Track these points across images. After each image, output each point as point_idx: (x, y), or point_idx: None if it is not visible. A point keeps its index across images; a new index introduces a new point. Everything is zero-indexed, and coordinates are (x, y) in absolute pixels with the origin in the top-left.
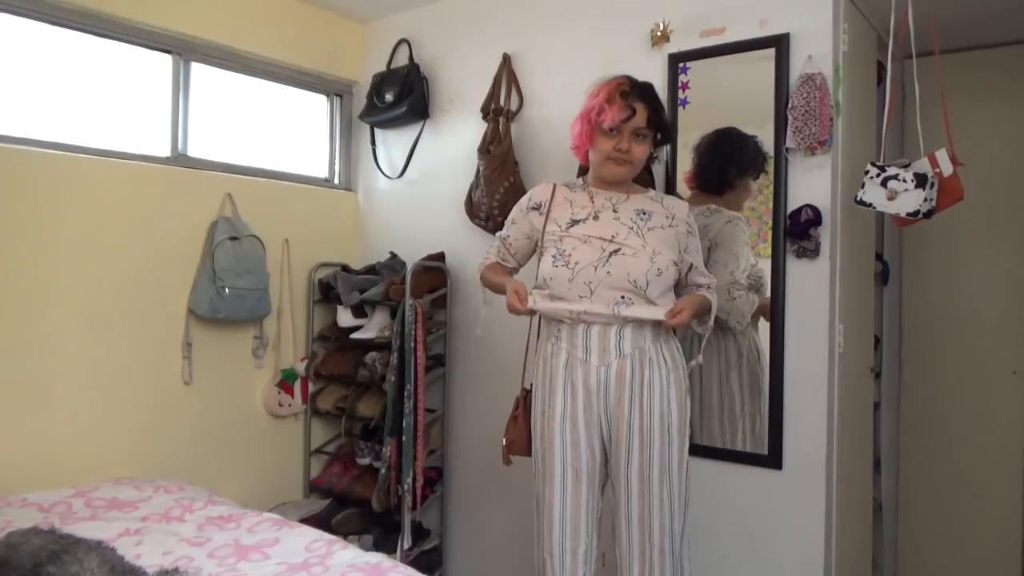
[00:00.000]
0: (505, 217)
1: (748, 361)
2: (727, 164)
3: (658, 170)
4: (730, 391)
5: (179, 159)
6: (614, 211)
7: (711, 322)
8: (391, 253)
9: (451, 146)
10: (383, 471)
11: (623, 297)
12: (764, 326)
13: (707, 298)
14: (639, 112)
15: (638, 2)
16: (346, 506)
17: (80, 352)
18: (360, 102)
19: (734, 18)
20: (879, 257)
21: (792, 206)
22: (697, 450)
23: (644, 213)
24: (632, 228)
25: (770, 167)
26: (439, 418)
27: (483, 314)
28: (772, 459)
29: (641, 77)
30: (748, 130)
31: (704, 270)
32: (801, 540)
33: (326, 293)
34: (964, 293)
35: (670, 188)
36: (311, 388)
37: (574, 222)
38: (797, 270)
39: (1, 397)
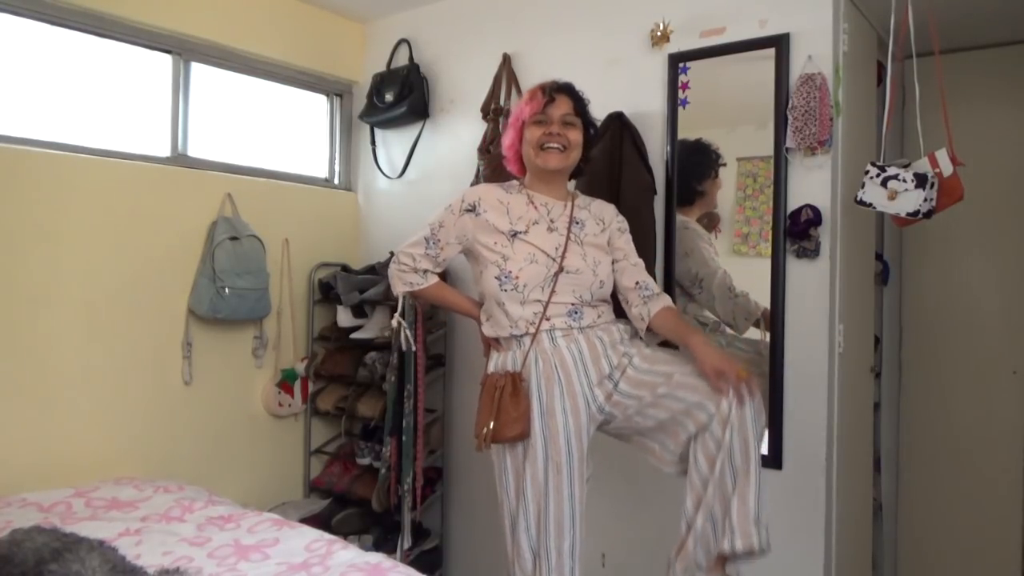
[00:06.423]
0: None
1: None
2: (689, 175)
3: (659, 174)
4: None
5: (179, 159)
6: (551, 222)
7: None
8: (391, 253)
9: (451, 146)
10: (383, 471)
11: (573, 304)
12: None
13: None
14: (560, 99)
15: (638, 2)
16: (346, 506)
17: (80, 352)
18: (360, 102)
19: (734, 18)
20: (879, 257)
21: (792, 206)
22: None
23: (578, 222)
24: (573, 239)
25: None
26: (439, 418)
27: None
28: (772, 459)
29: (641, 77)
30: (750, 130)
31: (644, 271)
32: (801, 540)
33: (326, 293)
34: (964, 293)
35: (670, 190)
36: (311, 388)
37: (515, 233)
38: (797, 270)
39: (1, 397)
